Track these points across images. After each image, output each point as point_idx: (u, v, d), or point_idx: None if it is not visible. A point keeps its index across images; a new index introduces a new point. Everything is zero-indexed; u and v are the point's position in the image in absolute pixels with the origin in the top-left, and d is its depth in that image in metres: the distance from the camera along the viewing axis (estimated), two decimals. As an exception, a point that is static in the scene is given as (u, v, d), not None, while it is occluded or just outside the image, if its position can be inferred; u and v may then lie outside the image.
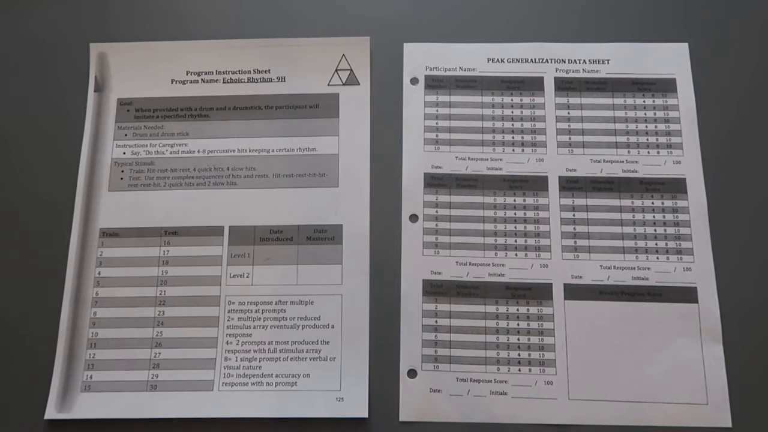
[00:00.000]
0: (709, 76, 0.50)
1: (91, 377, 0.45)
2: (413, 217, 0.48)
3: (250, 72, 0.51)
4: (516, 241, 0.47)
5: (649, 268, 0.46)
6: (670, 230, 0.47)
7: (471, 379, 0.44)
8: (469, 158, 0.49)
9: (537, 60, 0.51)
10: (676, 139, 0.49)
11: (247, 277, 0.47)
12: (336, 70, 0.51)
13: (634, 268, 0.46)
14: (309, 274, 0.47)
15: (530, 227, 0.47)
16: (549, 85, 0.50)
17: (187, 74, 0.51)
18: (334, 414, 0.43)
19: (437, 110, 0.50)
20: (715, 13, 0.52)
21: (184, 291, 0.47)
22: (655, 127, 0.49)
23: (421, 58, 0.51)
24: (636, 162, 0.48)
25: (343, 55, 0.51)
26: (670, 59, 0.51)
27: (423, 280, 0.46)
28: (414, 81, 0.51)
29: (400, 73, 0.51)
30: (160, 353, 0.45)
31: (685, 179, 0.48)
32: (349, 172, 0.49)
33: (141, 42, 0.52)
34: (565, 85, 0.50)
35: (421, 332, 0.45)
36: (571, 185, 0.48)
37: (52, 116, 0.51)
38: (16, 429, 0.44)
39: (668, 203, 0.48)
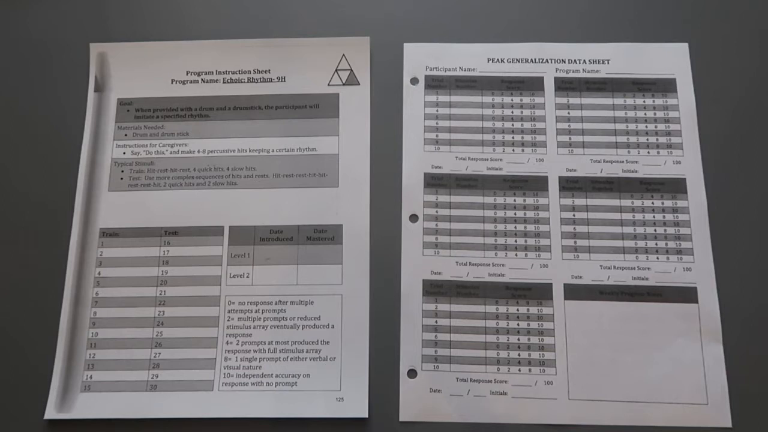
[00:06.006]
0: (709, 76, 0.50)
1: (91, 377, 0.45)
2: (413, 217, 0.48)
3: (250, 72, 0.51)
4: (516, 241, 0.47)
5: (649, 268, 0.46)
6: (670, 230, 0.47)
7: (471, 379, 0.44)
8: (469, 158, 0.49)
9: (537, 60, 0.51)
10: (676, 139, 0.49)
11: (247, 277, 0.47)
12: (336, 70, 0.51)
13: (634, 268, 0.46)
14: (309, 274, 0.47)
15: (530, 227, 0.47)
16: (549, 85, 0.50)
17: (187, 74, 0.52)
18: (334, 414, 0.43)
19: (437, 110, 0.50)
20: (715, 13, 0.52)
21: (184, 291, 0.47)
22: (655, 127, 0.49)
23: (421, 58, 0.51)
24: (636, 162, 0.48)
25: (343, 55, 0.51)
26: (670, 59, 0.51)
27: (423, 280, 0.46)
28: (414, 81, 0.51)
29: (400, 73, 0.51)
30: (160, 353, 0.45)
31: (685, 179, 0.48)
32: (349, 172, 0.49)
33: (141, 42, 0.52)
34: (565, 85, 0.50)
35: (421, 332, 0.45)
36: (571, 185, 0.48)
37: (52, 116, 0.51)
38: (16, 429, 0.44)
39: (668, 203, 0.48)
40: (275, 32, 0.52)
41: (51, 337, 0.46)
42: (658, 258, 0.46)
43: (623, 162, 0.48)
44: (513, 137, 0.49)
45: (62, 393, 0.44)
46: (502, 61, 0.51)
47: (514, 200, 0.48)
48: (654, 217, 0.47)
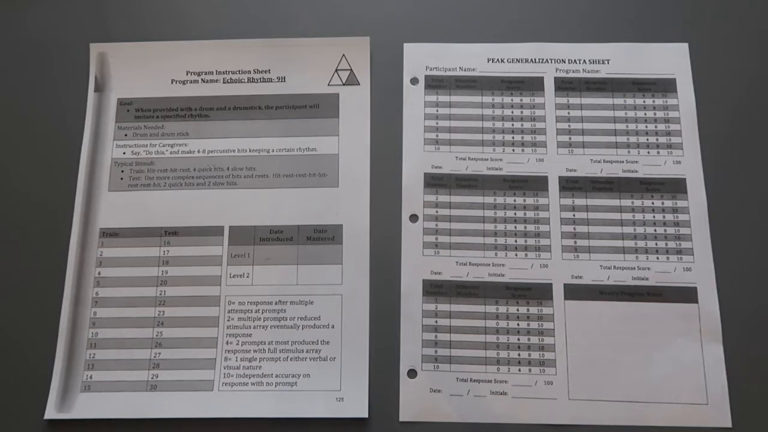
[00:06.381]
0: (709, 76, 0.50)
1: (91, 377, 0.45)
2: (413, 217, 0.48)
3: (250, 72, 0.51)
4: (516, 241, 0.47)
5: (649, 268, 0.46)
6: (670, 230, 0.47)
7: (471, 379, 0.44)
8: (469, 158, 0.49)
9: (537, 60, 0.51)
10: (676, 139, 0.49)
11: (247, 277, 0.47)
12: (336, 70, 0.51)
13: (634, 268, 0.46)
14: (309, 274, 0.47)
15: (530, 227, 0.47)
16: (549, 85, 0.50)
17: (187, 74, 0.52)
18: (334, 414, 0.43)
19: (437, 110, 0.50)
20: (715, 13, 0.52)
21: (184, 291, 0.47)
22: (655, 127, 0.49)
23: (421, 58, 0.51)
24: (636, 162, 0.48)
25: (343, 55, 0.51)
26: (670, 59, 0.51)
27: (423, 280, 0.46)
28: (414, 81, 0.51)
29: (400, 73, 0.51)
30: (160, 353, 0.45)
31: (685, 179, 0.48)
32: (349, 172, 0.49)
33: (141, 42, 0.52)
34: (565, 85, 0.50)
35: (421, 332, 0.45)
36: (571, 185, 0.48)
37: (52, 116, 0.51)
38: (16, 429, 0.44)
39: (668, 203, 0.48)
40: (275, 32, 0.52)
41: (51, 337, 0.46)
42: (658, 258, 0.46)
43: (623, 162, 0.48)
44: (513, 137, 0.49)
45: (62, 393, 0.44)
46: (502, 61, 0.51)
47: (514, 200, 0.48)
48: (654, 217, 0.47)
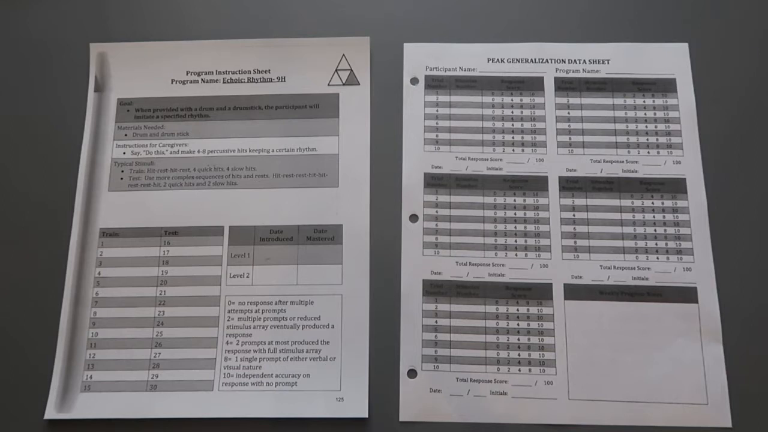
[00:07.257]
0: (709, 76, 0.50)
1: (91, 377, 0.45)
2: (413, 217, 0.48)
3: (250, 72, 0.51)
4: (516, 241, 0.47)
5: (649, 268, 0.46)
6: (670, 230, 0.47)
7: (471, 379, 0.44)
8: (469, 158, 0.49)
9: (537, 60, 0.51)
10: (676, 139, 0.49)
11: (247, 277, 0.47)
12: (336, 70, 0.51)
13: (634, 268, 0.46)
14: (309, 274, 0.47)
15: (530, 227, 0.47)
16: (549, 85, 0.50)
17: (187, 74, 0.52)
18: (334, 414, 0.43)
19: (437, 110, 0.50)
20: (715, 13, 0.52)
21: (184, 291, 0.47)
22: (655, 127, 0.49)
23: (421, 58, 0.51)
24: (636, 162, 0.48)
25: (343, 55, 0.51)
26: (670, 59, 0.51)
27: (423, 280, 0.46)
28: (414, 81, 0.51)
29: (400, 73, 0.51)
30: (160, 353, 0.45)
31: (685, 179, 0.48)
32: (349, 172, 0.49)
33: (141, 42, 0.52)
34: (565, 85, 0.50)
35: (421, 332, 0.45)
36: (571, 185, 0.48)
37: (52, 116, 0.51)
38: (16, 429, 0.44)
39: (668, 203, 0.48)
40: (275, 32, 0.52)
41: (51, 337, 0.46)
42: (658, 258, 0.46)
43: (623, 162, 0.49)
44: (513, 137, 0.49)
45: (62, 393, 0.44)
46: (502, 61, 0.51)
47: (514, 200, 0.48)
48: (654, 217, 0.47)
